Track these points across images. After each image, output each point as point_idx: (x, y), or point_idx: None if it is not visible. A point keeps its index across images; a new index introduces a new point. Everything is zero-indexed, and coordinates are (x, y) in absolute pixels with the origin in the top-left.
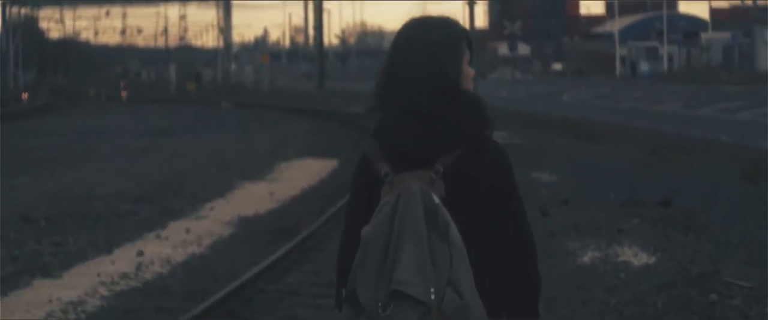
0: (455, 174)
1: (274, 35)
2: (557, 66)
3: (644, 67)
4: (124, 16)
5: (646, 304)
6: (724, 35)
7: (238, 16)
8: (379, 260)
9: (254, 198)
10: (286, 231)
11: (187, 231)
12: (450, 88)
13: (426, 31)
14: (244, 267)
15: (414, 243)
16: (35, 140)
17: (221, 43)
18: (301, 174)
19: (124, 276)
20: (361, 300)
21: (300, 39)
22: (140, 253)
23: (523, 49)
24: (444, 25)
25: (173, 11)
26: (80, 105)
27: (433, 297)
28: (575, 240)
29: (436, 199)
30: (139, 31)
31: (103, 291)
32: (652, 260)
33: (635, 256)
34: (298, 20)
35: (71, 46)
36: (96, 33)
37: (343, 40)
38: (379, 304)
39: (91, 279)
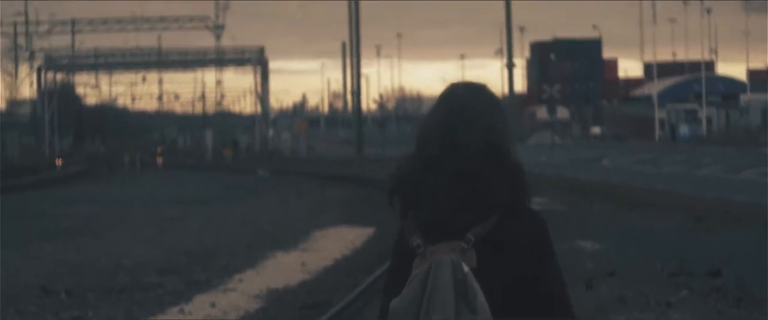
0: (488, 243)
1: (312, 101)
2: (596, 130)
3: (684, 129)
4: (160, 81)
5: None
6: (763, 96)
7: (275, 82)
8: None
9: (285, 269)
10: (317, 307)
11: (213, 305)
12: (501, 152)
13: (478, 97)
14: None
15: (442, 315)
16: (64, 207)
17: (259, 109)
18: (336, 243)
19: None
20: None
21: (339, 104)
22: None
23: (562, 112)
24: (489, 92)
25: (210, 77)
26: (115, 171)
27: None
28: (622, 314)
29: (466, 269)
30: (176, 96)
31: None
32: None
33: None
34: (336, 85)
35: (108, 112)
36: (133, 99)
37: (381, 105)
38: None
39: None
